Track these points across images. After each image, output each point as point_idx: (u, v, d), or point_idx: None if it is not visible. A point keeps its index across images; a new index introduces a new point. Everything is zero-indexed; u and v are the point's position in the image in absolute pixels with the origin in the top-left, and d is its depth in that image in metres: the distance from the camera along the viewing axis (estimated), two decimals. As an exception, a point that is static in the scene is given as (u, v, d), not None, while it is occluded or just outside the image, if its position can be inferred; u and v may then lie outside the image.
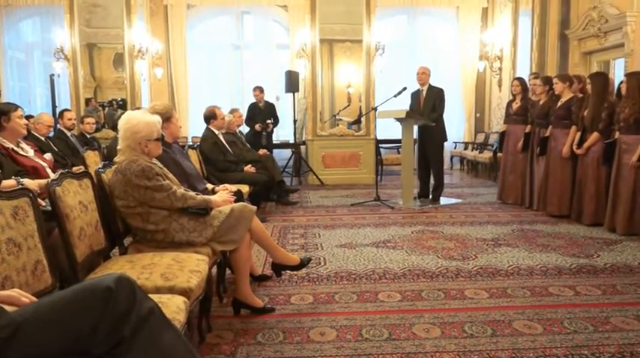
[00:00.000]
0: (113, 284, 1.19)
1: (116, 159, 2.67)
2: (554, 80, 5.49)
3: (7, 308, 1.18)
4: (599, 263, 3.76)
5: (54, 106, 9.20)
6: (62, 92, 9.46)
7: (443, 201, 6.39)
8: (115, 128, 8.64)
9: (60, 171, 2.24)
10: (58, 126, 5.73)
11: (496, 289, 3.22)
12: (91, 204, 2.34)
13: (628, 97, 4.49)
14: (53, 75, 9.24)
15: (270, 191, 6.20)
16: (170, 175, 2.78)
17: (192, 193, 2.73)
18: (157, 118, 2.74)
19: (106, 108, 9.13)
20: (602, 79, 4.94)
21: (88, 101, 8.81)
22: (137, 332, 1.17)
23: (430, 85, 6.29)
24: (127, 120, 2.64)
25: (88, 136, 6.29)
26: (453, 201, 6.47)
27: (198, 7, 10.21)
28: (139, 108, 5.62)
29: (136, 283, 1.25)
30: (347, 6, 8.53)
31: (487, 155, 8.86)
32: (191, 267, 2.20)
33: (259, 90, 7.88)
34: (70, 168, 4.38)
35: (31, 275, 1.73)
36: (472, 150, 9.86)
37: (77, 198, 2.20)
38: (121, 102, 9.00)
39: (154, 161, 2.72)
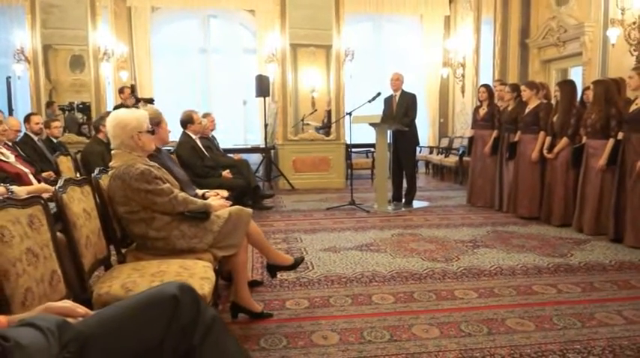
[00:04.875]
0: (178, 293, 1.17)
1: (112, 164, 2.60)
2: (522, 87, 5.72)
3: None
4: (574, 262, 3.94)
5: (10, 110, 8.81)
6: (18, 95, 9.09)
7: (415, 204, 6.51)
8: (80, 133, 8.43)
9: (64, 178, 2.17)
10: (25, 130, 5.50)
11: (484, 289, 3.33)
12: (93, 211, 2.28)
13: (594, 104, 4.73)
14: (10, 77, 8.86)
15: (245, 196, 6.15)
16: (169, 176, 2.74)
17: (192, 197, 2.69)
18: (145, 113, 2.70)
19: (66, 112, 8.82)
20: (570, 86, 5.19)
21: (48, 105, 8.50)
22: (204, 341, 1.16)
23: (403, 90, 6.42)
24: (113, 117, 2.58)
25: (55, 141, 6.07)
26: (425, 204, 6.61)
27: (162, 10, 10.04)
28: (109, 113, 5.49)
29: (196, 291, 1.24)
30: (313, 11, 8.57)
31: (453, 159, 9.09)
32: (200, 274, 2.18)
33: (130, 90, 7.80)
34: (40, 173, 4.24)
35: (49, 285, 1.68)
36: (438, 155, 10.10)
37: (81, 206, 2.14)
38: (81, 106, 8.72)
39: (151, 163, 2.66)
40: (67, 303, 1.25)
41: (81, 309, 1.22)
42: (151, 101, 7.73)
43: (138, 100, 7.78)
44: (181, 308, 1.16)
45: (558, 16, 7.68)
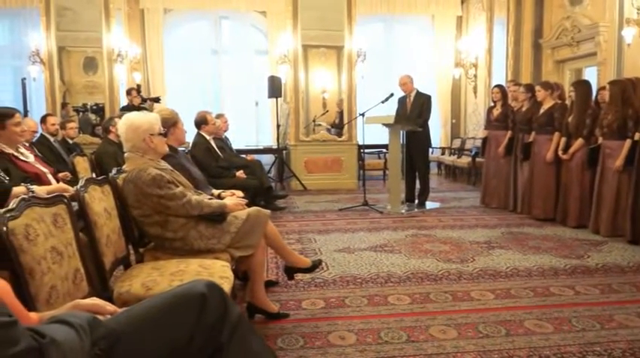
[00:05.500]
0: (207, 291, 1.17)
1: (124, 167, 2.61)
2: (537, 88, 5.67)
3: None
4: (591, 263, 3.90)
5: (25, 111, 8.91)
6: (33, 97, 9.20)
7: (428, 205, 6.49)
8: (94, 134, 8.50)
9: (85, 177, 2.19)
10: (41, 131, 5.55)
11: (500, 290, 3.30)
12: (113, 210, 2.29)
13: (611, 104, 4.68)
14: (25, 79, 8.96)
15: (258, 197, 6.16)
16: (182, 179, 2.74)
17: (207, 200, 2.70)
18: (156, 115, 2.72)
19: (81, 114, 8.90)
20: (585, 87, 5.14)
21: (63, 106, 8.59)
22: (232, 339, 1.16)
23: (418, 91, 6.39)
24: (125, 120, 2.60)
25: (71, 142, 6.12)
26: (438, 205, 6.58)
27: (175, 12, 10.12)
28: (121, 115, 5.53)
29: (223, 289, 1.24)
30: (325, 12, 8.57)
31: (466, 160, 9.04)
32: (220, 273, 2.19)
33: (136, 90, 7.84)
34: (56, 174, 4.27)
35: (72, 284, 1.69)
36: (450, 156, 10.05)
37: (102, 205, 2.16)
38: (94, 107, 8.79)
39: (164, 165, 2.67)
40: (96, 301, 1.26)
41: (110, 307, 1.23)
42: (157, 100, 7.79)
43: (144, 100, 7.84)
44: (209, 307, 1.16)
45: (572, 16, 7.62)
